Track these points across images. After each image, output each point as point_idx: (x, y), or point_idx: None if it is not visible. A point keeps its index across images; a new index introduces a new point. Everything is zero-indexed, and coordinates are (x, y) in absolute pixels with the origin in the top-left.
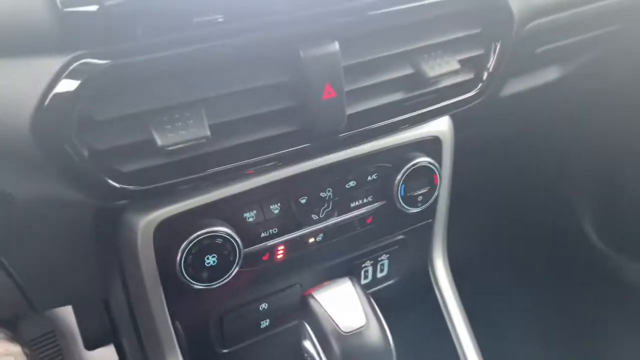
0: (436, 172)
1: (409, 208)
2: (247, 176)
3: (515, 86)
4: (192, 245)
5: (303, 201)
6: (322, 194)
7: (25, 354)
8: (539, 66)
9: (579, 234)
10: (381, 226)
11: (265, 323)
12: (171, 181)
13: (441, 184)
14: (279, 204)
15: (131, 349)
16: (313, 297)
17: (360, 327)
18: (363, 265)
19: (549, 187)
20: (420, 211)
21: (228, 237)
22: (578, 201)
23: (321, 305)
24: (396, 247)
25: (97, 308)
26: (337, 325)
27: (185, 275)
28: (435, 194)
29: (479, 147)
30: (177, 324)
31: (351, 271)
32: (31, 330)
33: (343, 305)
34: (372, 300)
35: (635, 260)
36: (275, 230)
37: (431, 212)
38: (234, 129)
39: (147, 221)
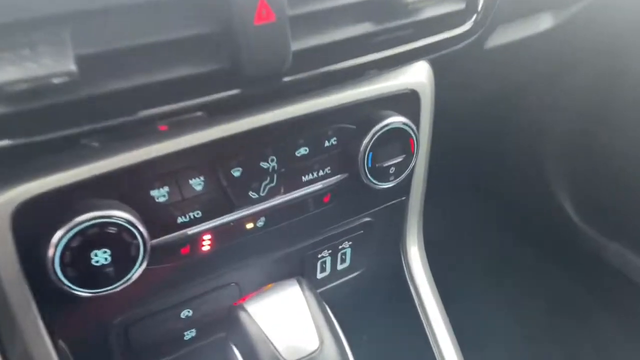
0: (413, 136)
1: (377, 183)
2: (152, 138)
3: (504, 36)
4: (72, 237)
5: (237, 173)
6: (263, 164)
7: None
8: (533, 11)
9: (559, 213)
10: (342, 206)
11: (190, 334)
12: (16, 141)
13: (418, 152)
14: (202, 178)
15: None
16: (243, 310)
17: (311, 354)
18: (319, 256)
19: (527, 163)
20: (392, 187)
21: (126, 224)
22: (558, 180)
23: (255, 321)
24: (361, 232)
25: None
26: (276, 350)
27: (63, 279)
28: (412, 164)
29: (457, 110)
30: (61, 343)
31: (303, 265)
32: None
33: (287, 320)
34: (328, 311)
35: (615, 240)
36: (198, 213)
37: (405, 187)
38: (119, 63)
39: None
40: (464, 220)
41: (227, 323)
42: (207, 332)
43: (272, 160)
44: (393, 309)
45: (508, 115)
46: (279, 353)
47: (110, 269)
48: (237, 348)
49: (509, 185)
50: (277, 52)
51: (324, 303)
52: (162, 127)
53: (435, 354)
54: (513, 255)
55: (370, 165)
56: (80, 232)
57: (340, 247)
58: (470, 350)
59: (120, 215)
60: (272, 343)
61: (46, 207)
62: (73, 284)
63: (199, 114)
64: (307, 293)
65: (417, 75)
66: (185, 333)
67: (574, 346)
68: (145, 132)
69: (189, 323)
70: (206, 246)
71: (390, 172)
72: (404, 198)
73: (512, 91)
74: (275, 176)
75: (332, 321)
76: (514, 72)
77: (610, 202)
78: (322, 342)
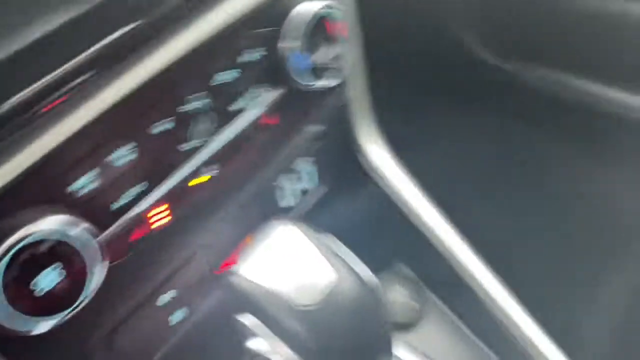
0: (340, 19)
1: (315, 83)
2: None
3: None
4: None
5: (159, 129)
6: (183, 108)
7: None
8: None
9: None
10: (288, 123)
11: (180, 315)
12: None
13: (351, 38)
14: (124, 148)
15: None
16: (234, 275)
17: (329, 286)
18: (277, 184)
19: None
20: (334, 86)
21: (65, 231)
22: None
23: (253, 282)
24: (314, 144)
25: None
26: (292, 301)
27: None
28: (348, 52)
29: None
30: None
31: (267, 199)
32: None
33: (286, 266)
34: (329, 236)
35: (529, 63)
36: (137, 188)
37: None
38: None
39: None
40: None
41: (224, 297)
42: (196, 310)
43: (196, 97)
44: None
45: None
46: (296, 303)
47: (67, 287)
48: (248, 320)
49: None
50: None
51: (314, 229)
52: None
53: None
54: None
55: (303, 67)
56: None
57: (299, 168)
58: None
59: (51, 228)
60: (283, 296)
61: None
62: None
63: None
64: (291, 227)
65: None
66: (173, 316)
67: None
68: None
69: (176, 303)
70: (160, 220)
71: (327, 68)
72: (349, 91)
73: None
74: (202, 117)
75: (336, 244)
76: None
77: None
78: (338, 271)
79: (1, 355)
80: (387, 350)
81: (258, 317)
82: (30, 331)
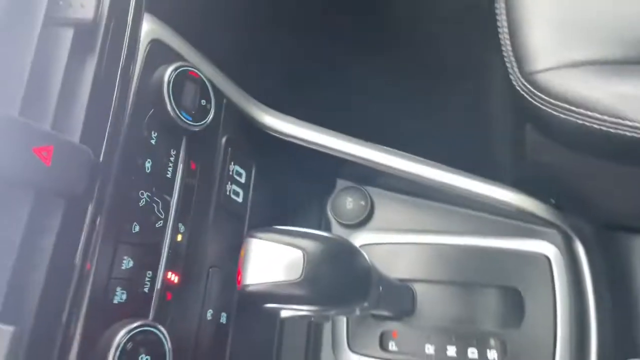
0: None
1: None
2: None
3: None
4: None
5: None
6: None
7: None
8: None
9: None
10: (205, 158)
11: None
12: None
13: None
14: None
15: None
16: (249, 286)
17: (301, 259)
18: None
19: None
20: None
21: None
22: None
23: (259, 284)
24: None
25: None
26: (286, 280)
27: None
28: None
29: None
30: None
31: (229, 207)
32: None
33: (272, 261)
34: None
35: None
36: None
37: None
38: None
39: None
40: None
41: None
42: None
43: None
44: None
45: None
46: (290, 280)
47: None
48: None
49: None
50: None
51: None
52: None
53: None
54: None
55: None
56: None
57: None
58: None
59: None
60: (281, 282)
61: None
62: None
63: None
64: (258, 237)
65: None
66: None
67: None
68: None
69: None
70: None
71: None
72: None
73: None
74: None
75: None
76: None
77: None
78: (301, 247)
79: None
80: (372, 280)
81: (276, 302)
82: None
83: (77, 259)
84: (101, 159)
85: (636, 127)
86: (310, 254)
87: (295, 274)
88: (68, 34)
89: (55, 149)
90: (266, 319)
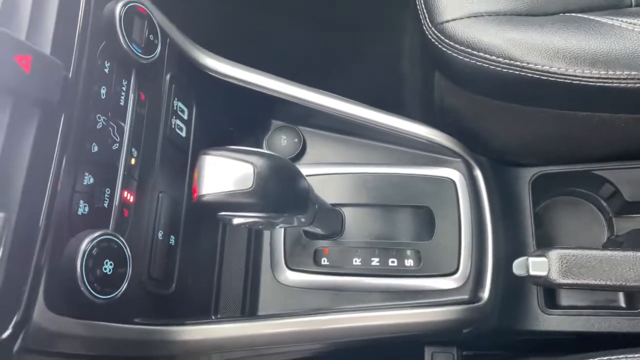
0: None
1: (150, 56)
2: None
3: None
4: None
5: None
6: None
7: None
8: None
9: None
10: (153, 89)
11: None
12: None
13: None
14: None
15: None
16: (203, 196)
17: (251, 172)
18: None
19: None
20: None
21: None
22: None
23: (215, 193)
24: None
25: None
26: (238, 191)
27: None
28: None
29: None
30: None
31: (175, 139)
32: None
33: (224, 174)
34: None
35: None
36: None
37: None
38: None
39: None
40: None
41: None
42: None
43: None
44: None
45: None
46: (242, 190)
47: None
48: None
49: None
50: None
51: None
52: None
53: None
54: None
55: (138, 50)
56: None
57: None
58: None
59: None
60: (235, 191)
61: None
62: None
63: None
64: (210, 154)
65: None
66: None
67: None
68: None
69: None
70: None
71: (149, 41)
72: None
73: None
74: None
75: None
76: None
77: None
78: (251, 162)
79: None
80: (310, 196)
81: (229, 210)
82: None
83: (53, 165)
84: (70, 75)
85: (523, 67)
86: (259, 167)
87: (247, 184)
88: None
89: (33, 59)
90: (209, 240)
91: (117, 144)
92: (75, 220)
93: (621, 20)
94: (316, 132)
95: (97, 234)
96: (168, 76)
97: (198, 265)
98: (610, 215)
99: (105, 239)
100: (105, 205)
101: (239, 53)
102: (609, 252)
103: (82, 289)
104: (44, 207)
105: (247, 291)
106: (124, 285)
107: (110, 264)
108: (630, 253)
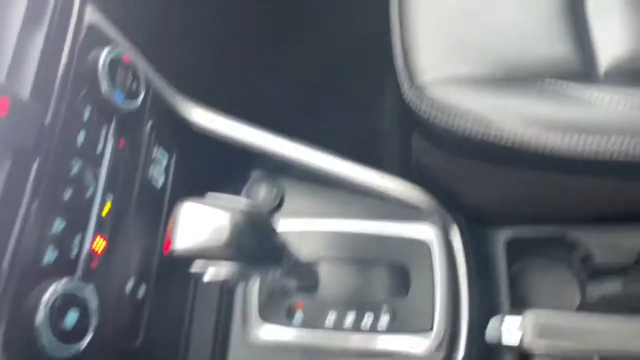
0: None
1: (132, 105)
2: None
3: None
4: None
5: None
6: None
7: None
8: None
9: None
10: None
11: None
12: None
13: None
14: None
15: None
16: (176, 251)
17: (228, 226)
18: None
19: None
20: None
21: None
22: None
23: (187, 248)
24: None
25: None
26: (212, 244)
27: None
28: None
29: None
30: None
31: (150, 190)
32: None
33: (199, 225)
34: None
35: None
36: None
37: None
38: None
39: None
40: None
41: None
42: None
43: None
44: None
45: None
46: (217, 245)
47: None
48: (197, 267)
49: None
50: None
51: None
52: None
53: None
54: None
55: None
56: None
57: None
58: None
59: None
60: (209, 246)
61: None
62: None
63: None
64: (189, 203)
65: None
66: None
67: None
68: None
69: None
70: (101, 247)
71: (132, 89)
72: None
73: None
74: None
75: (219, 198)
76: None
77: None
78: (230, 213)
79: None
80: (285, 251)
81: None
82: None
83: (21, 212)
84: (48, 121)
85: (500, 132)
86: (235, 220)
87: (222, 238)
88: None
89: (10, 102)
90: (180, 293)
91: (92, 190)
92: (40, 268)
93: (591, 92)
94: (295, 182)
95: (62, 282)
96: (149, 123)
97: (167, 320)
98: (584, 277)
99: (71, 287)
100: (75, 252)
101: (224, 100)
102: (583, 316)
103: (43, 341)
104: (7, 254)
105: (216, 352)
106: (87, 338)
107: (74, 315)
108: (604, 317)
